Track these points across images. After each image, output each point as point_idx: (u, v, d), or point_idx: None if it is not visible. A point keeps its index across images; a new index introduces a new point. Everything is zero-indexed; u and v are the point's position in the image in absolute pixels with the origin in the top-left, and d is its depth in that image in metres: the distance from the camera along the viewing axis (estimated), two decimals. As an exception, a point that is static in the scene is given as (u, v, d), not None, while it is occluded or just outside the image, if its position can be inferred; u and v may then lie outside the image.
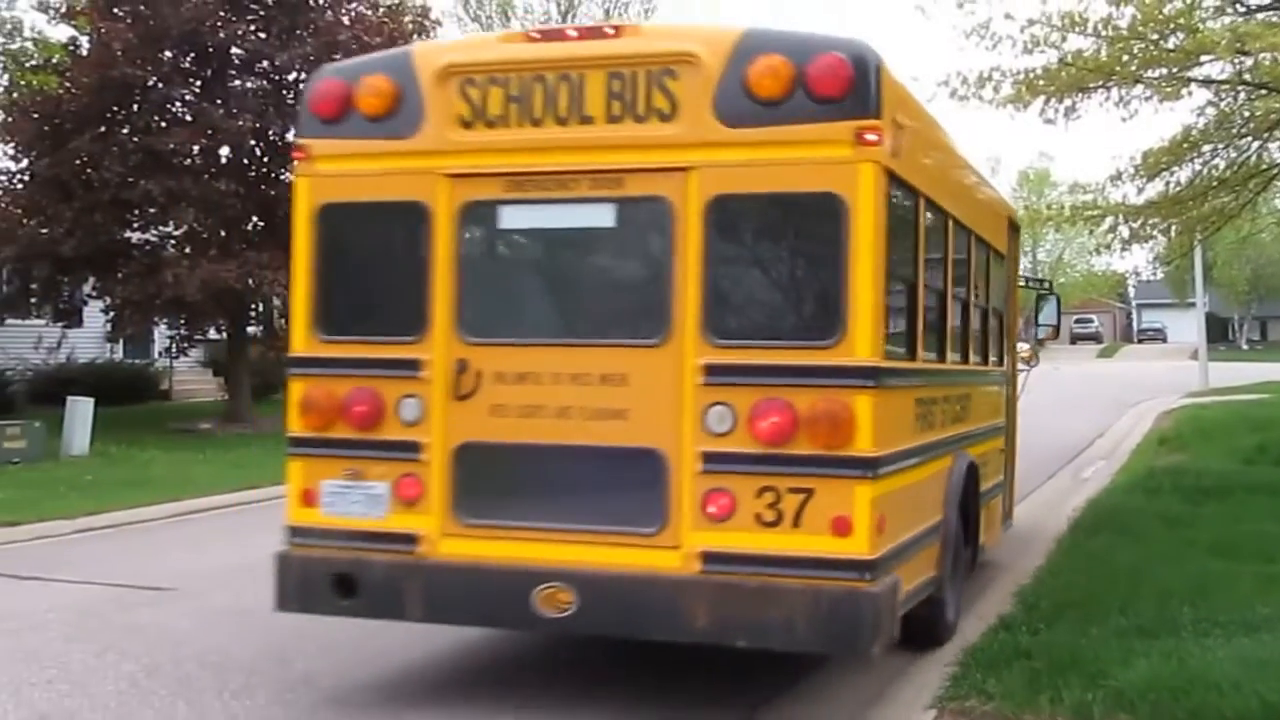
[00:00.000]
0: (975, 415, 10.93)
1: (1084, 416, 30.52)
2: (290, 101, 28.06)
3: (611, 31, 7.99)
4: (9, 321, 31.17)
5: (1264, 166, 20.97)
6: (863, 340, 7.22)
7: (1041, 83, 17.10)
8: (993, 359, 12.18)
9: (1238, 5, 17.26)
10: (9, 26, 24.48)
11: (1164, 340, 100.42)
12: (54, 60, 24.68)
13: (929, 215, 8.81)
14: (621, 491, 7.82)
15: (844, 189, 7.23)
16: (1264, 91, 17.51)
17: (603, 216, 8.01)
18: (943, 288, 9.50)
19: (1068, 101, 17.77)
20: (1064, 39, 16.84)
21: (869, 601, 7.21)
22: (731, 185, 7.49)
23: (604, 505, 7.78)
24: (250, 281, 26.05)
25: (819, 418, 7.21)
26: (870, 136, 7.23)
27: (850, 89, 7.27)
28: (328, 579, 8.06)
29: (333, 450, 8.18)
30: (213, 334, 31.44)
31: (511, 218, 8.23)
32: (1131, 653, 8.13)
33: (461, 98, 7.93)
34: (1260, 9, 17.23)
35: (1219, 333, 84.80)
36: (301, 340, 8.40)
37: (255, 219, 28.18)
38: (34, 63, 24.34)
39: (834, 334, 7.26)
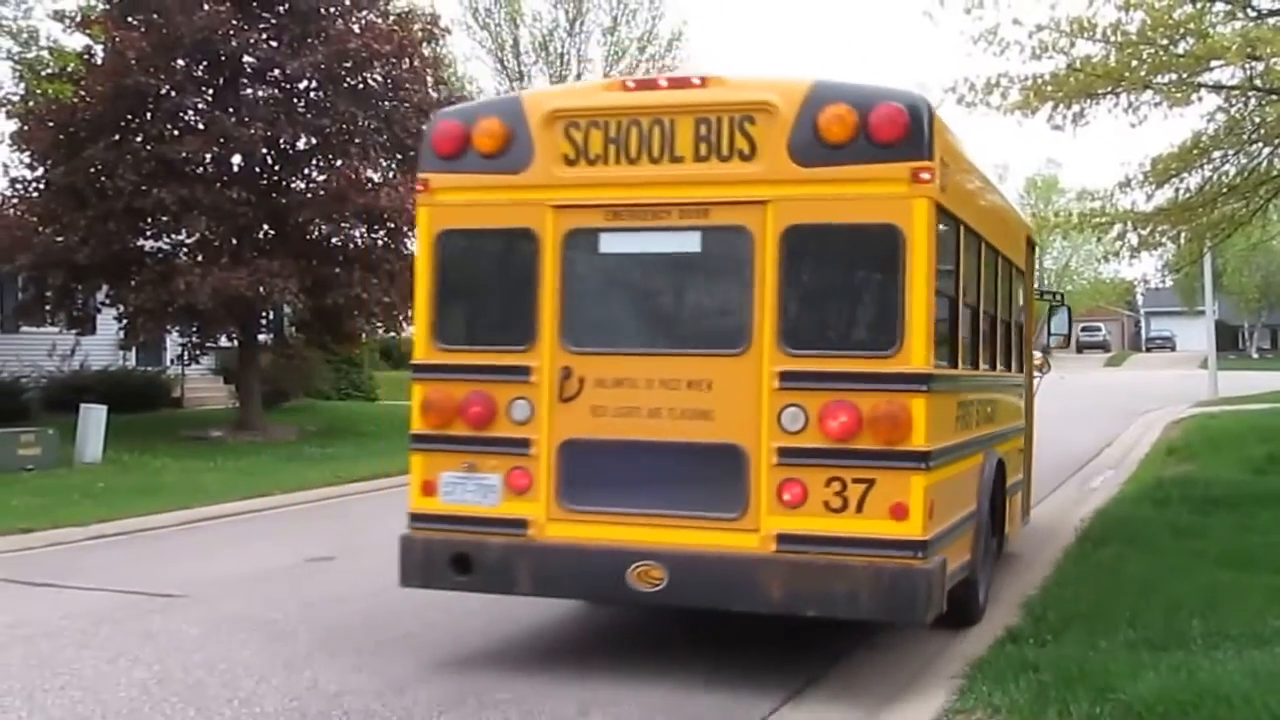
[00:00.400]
0: (1001, 417, 12.09)
1: (1091, 426, 30.16)
2: (301, 110, 28.28)
3: (698, 82, 9.12)
4: (24, 329, 31.40)
5: (1275, 173, 20.78)
6: (918, 351, 8.39)
7: (1050, 89, 16.94)
8: (1014, 366, 13.34)
9: (1248, 9, 17.04)
10: (26, 36, 24.64)
11: (1173, 349, 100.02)
12: (69, 69, 24.80)
13: (967, 240, 9.97)
14: (706, 481, 8.89)
15: (901, 221, 8.43)
16: (1275, 97, 17.34)
17: (690, 243, 9.15)
18: (977, 303, 10.59)
19: (1076, 108, 17.61)
20: (1072, 44, 16.69)
21: (923, 577, 8.32)
22: (803, 216, 8.65)
23: (691, 493, 8.89)
24: (261, 289, 26.16)
25: (880, 418, 8.35)
26: (924, 175, 8.43)
27: (906, 134, 8.47)
28: (446, 558, 9.23)
29: (451, 446, 9.35)
30: (224, 342, 31.40)
31: (610, 243, 9.33)
32: (1140, 666, 8.06)
33: (565, 138, 9.12)
34: (1272, 13, 17.04)
35: (1229, 341, 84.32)
36: (423, 349, 9.64)
37: (266, 227, 28.35)
38: (50, 71, 24.51)
39: (893, 345, 8.43)
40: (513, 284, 9.48)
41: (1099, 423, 31.47)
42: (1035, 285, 16.62)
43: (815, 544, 8.46)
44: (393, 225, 28.91)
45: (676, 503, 8.89)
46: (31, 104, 26.25)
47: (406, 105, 28.71)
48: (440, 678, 8.97)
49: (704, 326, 9.48)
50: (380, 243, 29.32)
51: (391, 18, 29.48)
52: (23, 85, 25.89)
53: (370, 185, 27.92)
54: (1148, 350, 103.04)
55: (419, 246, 9.78)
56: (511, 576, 9.22)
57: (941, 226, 8.89)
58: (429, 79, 30.01)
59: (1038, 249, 16.89)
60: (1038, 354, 16.10)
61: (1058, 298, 17.74)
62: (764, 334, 8.67)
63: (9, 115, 27.10)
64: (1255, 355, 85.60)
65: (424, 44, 30.04)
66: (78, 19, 26.89)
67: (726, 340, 8.89)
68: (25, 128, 27.17)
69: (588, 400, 9.03)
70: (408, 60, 28.99)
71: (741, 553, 8.62)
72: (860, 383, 8.48)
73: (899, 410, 8.35)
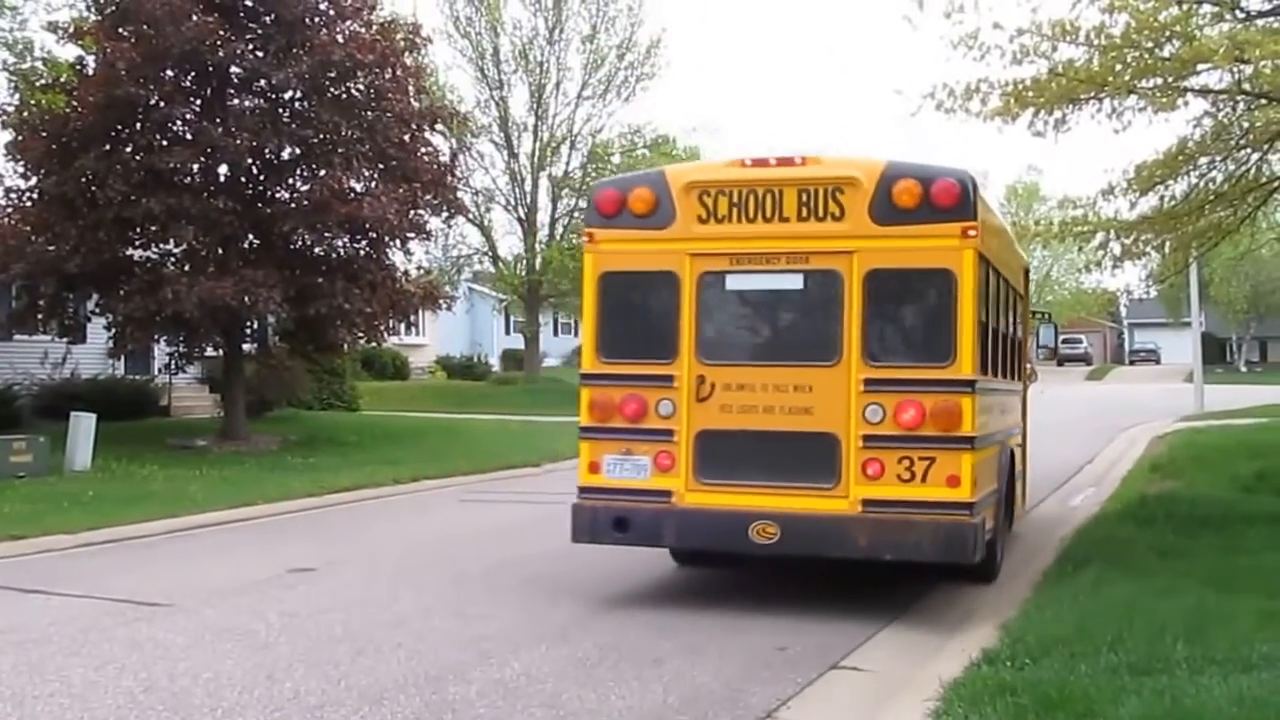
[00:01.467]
0: (1011, 418, 15.12)
1: (1072, 442, 29.88)
2: (286, 120, 28.33)
3: (800, 161, 12.01)
4: (17, 337, 31.28)
5: (1264, 179, 20.61)
6: (966, 362, 11.36)
7: (1031, 94, 16.76)
8: (1018, 377, 16.11)
9: (1236, 11, 16.90)
10: (20, 47, 24.77)
11: (1157, 361, 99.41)
12: (62, 79, 24.89)
13: (994, 278, 12.86)
14: (808, 460, 11.65)
15: (955, 266, 11.40)
16: (1264, 101, 17.17)
17: (795, 282, 12.12)
18: (999, 325, 13.48)
19: (1058, 113, 17.44)
20: (1054, 49, 16.50)
21: (971, 529, 11.23)
22: (881, 263, 11.57)
23: (796, 469, 11.68)
24: (246, 299, 26.18)
25: (939, 412, 11.26)
26: (970, 232, 11.45)
27: (958, 202, 11.44)
28: (609, 520, 12.13)
29: (612, 435, 12.21)
30: (210, 351, 31.48)
31: (734, 282, 12.31)
32: (1122, 690, 7.96)
33: (699, 203, 12.11)
34: (1260, 15, 16.89)
35: (1216, 354, 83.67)
36: (590, 361, 12.56)
37: (251, 237, 28.43)
38: (44, 82, 24.60)
39: (948, 358, 11.37)
40: (659, 312, 12.34)
41: (1080, 438, 31.22)
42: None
43: (891, 506, 11.31)
44: (375, 235, 28.93)
45: (786, 476, 11.72)
46: (25, 115, 26.38)
47: (389, 115, 28.72)
48: (419, 690, 9.03)
49: (805, 344, 12.16)
50: (362, 253, 29.30)
51: (375, 27, 29.47)
52: (17, 96, 26.07)
53: (353, 195, 27.88)
54: (1131, 363, 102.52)
55: (586, 283, 12.67)
56: (659, 533, 12.31)
57: (981, 269, 11.76)
58: (411, 88, 30.08)
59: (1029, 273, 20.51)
60: (1027, 365, 17.90)
61: (1045, 316, 20.21)
62: (851, 350, 11.58)
63: (4, 126, 27.26)
64: (1243, 369, 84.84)
65: (406, 53, 30.11)
66: (70, 30, 26.97)
67: (823, 355, 11.75)
68: (19, 138, 27.30)
69: (717, 400, 11.96)
70: (390, 70, 29.05)
71: (836, 513, 11.47)
72: (924, 386, 11.41)
73: (953, 406, 11.30)
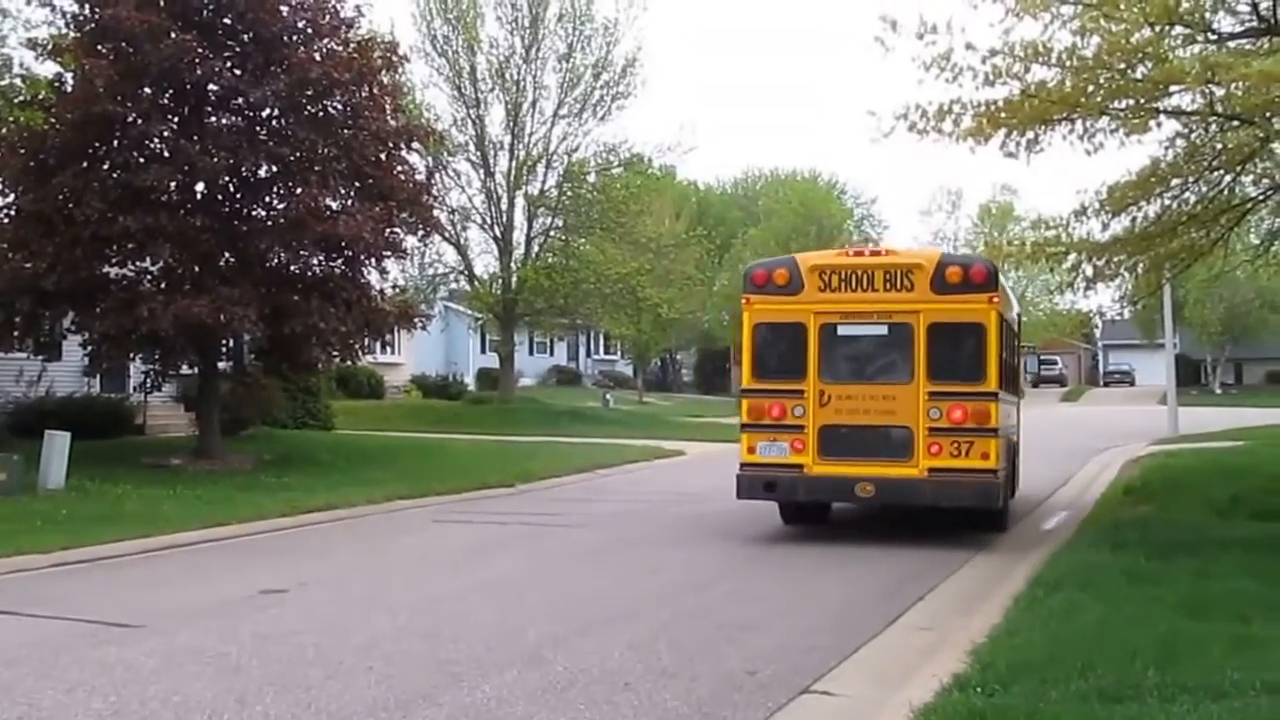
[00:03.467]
0: (1014, 420, 21.28)
1: (1046, 464, 29.55)
2: (263, 138, 28.30)
3: (885, 252, 19.11)
4: (-7, 354, 31.11)
5: (1236, 201, 20.66)
6: (992, 382, 17.70)
7: (1003, 115, 16.83)
8: (1018, 393, 23.14)
9: (1208, 34, 16.95)
10: (0, 64, 24.70)
11: (1132, 383, 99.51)
12: (40, 96, 24.80)
13: (1005, 326, 18.97)
14: (892, 444, 18.00)
15: (984, 321, 17.75)
16: (1236, 123, 17.20)
17: (882, 331, 18.40)
18: (1008, 359, 19.48)
19: (1030, 134, 17.51)
20: (1027, 70, 16.55)
21: (996, 486, 17.75)
22: (937, 318, 17.87)
23: (884, 449, 18.02)
24: (222, 317, 26.20)
25: (976, 413, 17.62)
26: (994, 299, 17.82)
27: (987, 280, 17.83)
28: (761, 484, 18.60)
29: (763, 429, 18.55)
30: (185, 369, 31.37)
31: (843, 330, 18.52)
32: (1092, 718, 7.97)
33: (819, 278, 18.44)
34: (1232, 37, 16.95)
35: (1190, 376, 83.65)
36: (747, 381, 19.06)
37: (228, 255, 28.35)
38: (21, 99, 24.43)
39: (981, 379, 17.69)
40: (793, 349, 18.57)
41: (1054, 461, 31.00)
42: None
43: (946, 472, 17.70)
44: (350, 253, 28.89)
45: (879, 454, 18.12)
46: (4, 131, 26.26)
47: (365, 133, 28.74)
48: (389, 714, 9.02)
49: (889, 370, 18.56)
50: (338, 271, 29.27)
51: (352, 46, 29.44)
52: (-3, 113, 25.95)
53: (329, 213, 27.88)
54: (1106, 384, 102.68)
55: (745, 331, 19.19)
56: (795, 491, 18.82)
57: (1000, 322, 18.18)
58: (388, 106, 30.09)
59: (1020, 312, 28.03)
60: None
61: (1030, 348, 26.03)
62: (919, 374, 17.99)
63: (-16, 143, 27.08)
64: (1218, 391, 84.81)
65: (383, 71, 30.08)
66: (49, 47, 26.85)
67: (901, 377, 18.21)
68: (-2, 155, 27.15)
69: (832, 406, 18.34)
70: (367, 88, 29.11)
71: (911, 477, 17.89)
72: (966, 397, 17.78)
73: (985, 409, 17.77)
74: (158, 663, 10.51)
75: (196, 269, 27.56)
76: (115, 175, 26.66)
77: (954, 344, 18.11)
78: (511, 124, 54.31)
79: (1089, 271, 20.66)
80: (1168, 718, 7.85)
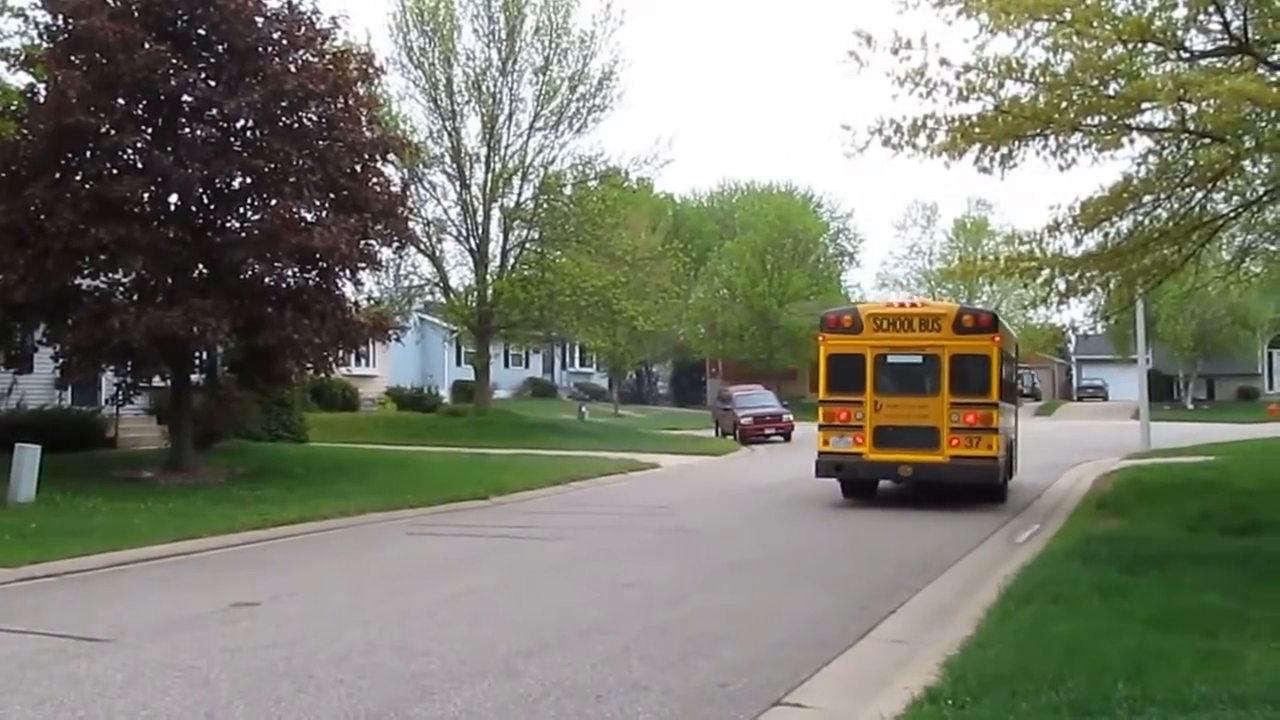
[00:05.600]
0: (1010, 422, 28.53)
1: (1019, 478, 30.24)
2: (237, 149, 28.17)
3: (920, 305, 28.45)
4: (-38, 367, 30.94)
5: (1207, 218, 20.76)
6: (994, 395, 25.76)
7: (977, 130, 16.88)
8: (1015, 403, 31.16)
9: (1180, 52, 17.02)
10: (-28, 73, 24.35)
11: (1105, 398, 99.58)
12: (13, 107, 24.74)
13: (1005, 356, 26.90)
14: (925, 439, 25.76)
15: (989, 353, 25.84)
16: (1207, 140, 17.27)
17: (918, 359, 26.28)
18: (1006, 379, 26.96)
19: (1004, 149, 17.57)
20: (1001, 86, 16.62)
21: (997, 469, 25.99)
22: (957, 351, 25.84)
23: (920, 443, 25.76)
24: (194, 329, 26.02)
25: (983, 417, 25.62)
26: (996, 338, 26.00)
27: (991, 324, 26.39)
28: (833, 465, 26.85)
29: (834, 428, 26.63)
30: (157, 382, 31.19)
31: (891, 359, 26.39)
32: (1062, 732, 7.84)
33: (873, 323, 26.57)
34: (1204, 55, 17.02)
35: (1163, 391, 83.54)
36: (824, 394, 26.97)
37: (201, 267, 28.28)
38: (-6, 110, 24.24)
39: (987, 394, 25.72)
40: (855, 373, 26.13)
41: (1027, 475, 31.30)
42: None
43: (963, 459, 25.46)
44: (325, 265, 28.81)
45: (916, 445, 25.74)
46: (-24, 142, 26.03)
47: (341, 144, 28.71)
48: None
49: (924, 387, 26.02)
50: (312, 283, 29.17)
51: (327, 57, 29.36)
52: (-32, 124, 25.73)
53: (304, 225, 27.77)
54: (1079, 399, 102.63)
55: (821, 359, 26.90)
56: (857, 472, 26.87)
57: (1001, 354, 26.04)
58: (363, 118, 29.94)
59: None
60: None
61: (1024, 368, 40.72)
62: (944, 390, 25.73)
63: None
64: (1190, 406, 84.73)
65: (359, 83, 30.00)
66: (21, 58, 26.73)
67: (932, 392, 25.94)
68: (-31, 166, 26.96)
69: (884, 412, 26.09)
70: (342, 99, 29.02)
71: (939, 462, 25.66)
72: (976, 406, 25.56)
73: (989, 414, 25.59)
74: (126, 677, 10.46)
75: (169, 280, 27.45)
76: (88, 186, 26.53)
77: (968, 369, 25.90)
78: (488, 136, 54.32)
79: (1062, 286, 20.80)
80: (1136, 731, 7.85)
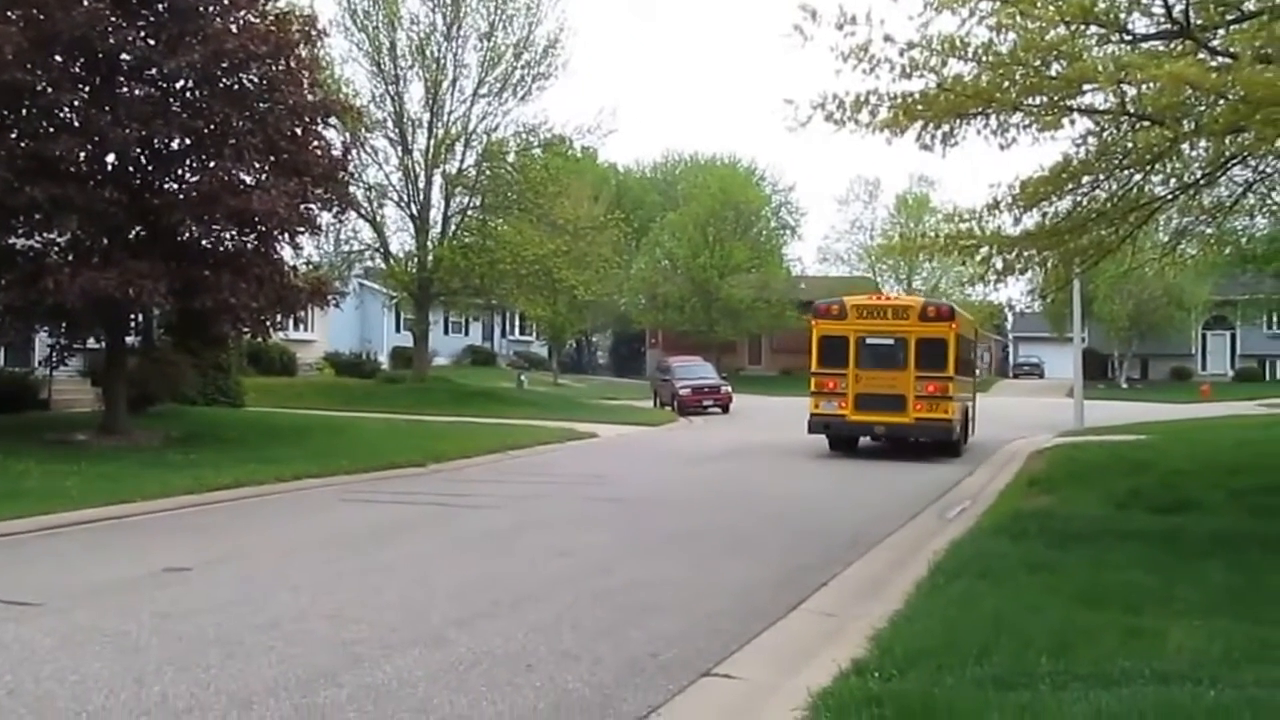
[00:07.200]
0: (967, 393, 36.82)
1: (942, 461, 30.90)
2: (176, 109, 27.85)
3: (893, 299, 37.62)
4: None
5: (1145, 200, 20.89)
6: (950, 370, 32.96)
7: (919, 108, 16.85)
8: (972, 376, 40.08)
9: (1123, 34, 17.08)
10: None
11: (1041, 375, 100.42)
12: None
13: (962, 339, 35.26)
14: (895, 404, 32.78)
15: (947, 337, 33.09)
16: (1146, 123, 17.37)
17: (890, 341, 33.28)
18: (963, 356, 35.22)
19: (945, 127, 17.57)
20: (944, 64, 16.59)
21: (951, 429, 33.18)
22: (922, 335, 32.94)
23: (891, 407, 32.74)
24: (130, 291, 25.72)
25: (940, 388, 32.79)
26: (953, 325, 33.52)
27: (949, 315, 33.88)
28: (821, 424, 34.03)
29: (823, 395, 33.81)
30: (92, 344, 30.88)
31: (869, 341, 33.32)
32: (986, 705, 7.98)
33: (856, 311, 33.79)
34: (1145, 38, 17.10)
35: (1098, 370, 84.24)
36: (816, 367, 34.16)
37: (138, 228, 27.93)
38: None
39: (944, 369, 32.90)
40: (841, 352, 33.26)
41: (949, 459, 32.17)
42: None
43: (926, 420, 32.77)
44: (264, 229, 28.60)
45: (888, 410, 32.73)
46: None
47: (282, 107, 28.45)
48: (289, 694, 8.99)
49: (895, 363, 32.95)
50: (250, 246, 28.96)
51: (269, 18, 29.06)
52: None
53: (243, 187, 27.54)
54: (1015, 376, 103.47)
55: (814, 342, 34.11)
56: (841, 430, 33.90)
57: (958, 338, 33.92)
58: (305, 81, 29.68)
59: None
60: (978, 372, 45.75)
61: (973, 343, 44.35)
62: (910, 365, 32.79)
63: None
64: (1124, 385, 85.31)
65: (301, 45, 29.61)
66: (-43, 13, 26.13)
67: (902, 367, 32.88)
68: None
69: (863, 383, 32.95)
70: (284, 61, 28.69)
71: (906, 423, 32.97)
72: (936, 379, 32.73)
73: (945, 386, 32.81)
74: (55, 641, 10.40)
75: (105, 241, 27.14)
76: (23, 145, 26.04)
77: (929, 350, 32.70)
78: (431, 101, 54.04)
79: (1000, 264, 20.84)
80: (1059, 705, 7.91)
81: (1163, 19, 16.81)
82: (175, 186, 28.69)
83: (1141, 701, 7.94)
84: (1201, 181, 21.40)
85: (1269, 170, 22.99)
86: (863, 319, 33.42)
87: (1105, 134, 19.15)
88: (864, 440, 34.66)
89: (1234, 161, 20.59)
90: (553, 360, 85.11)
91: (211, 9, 28.19)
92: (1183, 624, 10.61)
